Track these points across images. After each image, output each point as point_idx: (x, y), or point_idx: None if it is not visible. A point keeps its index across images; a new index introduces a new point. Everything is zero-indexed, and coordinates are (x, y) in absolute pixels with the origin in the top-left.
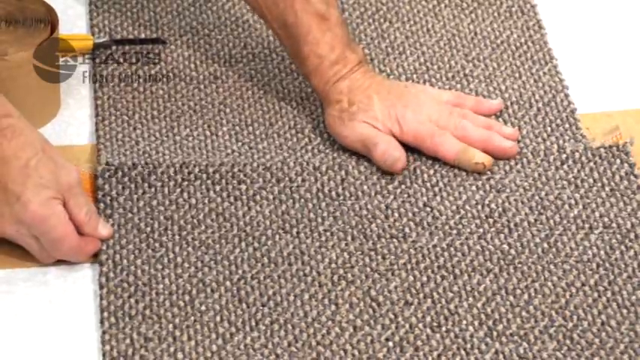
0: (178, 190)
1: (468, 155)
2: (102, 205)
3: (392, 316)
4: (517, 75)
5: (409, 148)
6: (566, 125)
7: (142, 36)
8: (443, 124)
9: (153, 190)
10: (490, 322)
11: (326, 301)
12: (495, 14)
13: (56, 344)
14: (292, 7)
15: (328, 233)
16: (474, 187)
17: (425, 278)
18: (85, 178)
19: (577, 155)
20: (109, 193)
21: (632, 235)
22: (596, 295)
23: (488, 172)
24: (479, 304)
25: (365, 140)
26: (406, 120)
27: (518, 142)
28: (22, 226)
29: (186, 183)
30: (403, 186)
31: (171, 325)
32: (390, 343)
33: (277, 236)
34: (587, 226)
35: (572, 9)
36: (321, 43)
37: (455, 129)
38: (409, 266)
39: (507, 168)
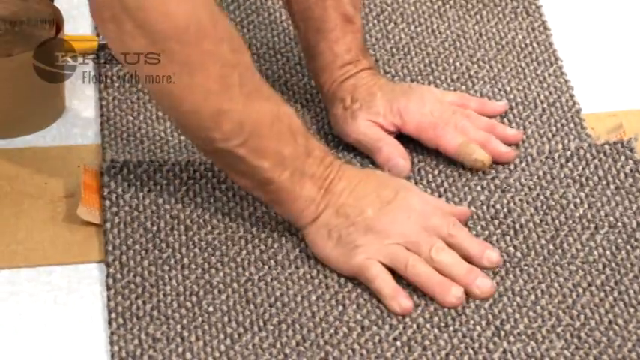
0: (184, 188)
1: (469, 150)
2: (108, 203)
3: (399, 316)
4: (522, 76)
5: (413, 148)
6: (571, 125)
7: None
8: (445, 120)
9: (159, 188)
10: (497, 322)
11: (333, 301)
12: (500, 15)
13: (62, 345)
14: (323, 2)
15: None
16: (478, 188)
17: None
18: (92, 174)
19: (581, 152)
20: (114, 191)
21: (637, 235)
22: (602, 294)
23: (493, 172)
24: (486, 305)
25: (369, 142)
26: (409, 111)
27: (523, 142)
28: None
29: (192, 181)
30: None
31: (179, 326)
32: (398, 343)
33: (283, 238)
34: (592, 226)
35: (577, 10)
36: (340, 42)
37: (455, 127)
38: None
39: (512, 167)
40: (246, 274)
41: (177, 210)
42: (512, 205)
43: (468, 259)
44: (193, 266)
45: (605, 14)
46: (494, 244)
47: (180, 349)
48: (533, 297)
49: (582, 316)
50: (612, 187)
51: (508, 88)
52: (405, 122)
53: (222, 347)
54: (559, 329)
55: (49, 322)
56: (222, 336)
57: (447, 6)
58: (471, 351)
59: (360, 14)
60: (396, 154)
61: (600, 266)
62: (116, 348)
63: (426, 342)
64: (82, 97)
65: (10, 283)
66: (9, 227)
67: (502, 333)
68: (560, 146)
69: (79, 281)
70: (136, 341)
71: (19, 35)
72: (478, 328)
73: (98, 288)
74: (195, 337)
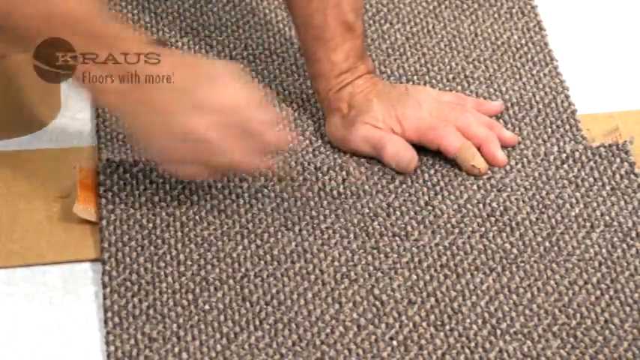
0: (180, 186)
1: (468, 155)
2: (104, 201)
3: (396, 315)
4: (518, 76)
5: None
6: (567, 126)
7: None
8: (444, 117)
9: (155, 186)
10: (494, 321)
11: (329, 299)
12: (496, 15)
13: (58, 346)
14: (324, 11)
15: (330, 231)
16: (474, 187)
17: (428, 277)
18: (88, 174)
19: (577, 155)
20: (110, 189)
21: (633, 234)
22: (598, 293)
23: (489, 172)
24: (482, 303)
25: (371, 142)
26: (406, 118)
27: (519, 143)
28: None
29: (188, 180)
30: (404, 185)
31: (175, 325)
32: (394, 342)
33: (279, 234)
34: (588, 224)
35: (572, 10)
36: (338, 50)
37: (456, 120)
38: (412, 265)
39: (508, 168)
40: (242, 270)
41: (173, 207)
42: (508, 203)
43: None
44: (189, 262)
45: (601, 14)
46: (490, 241)
47: (176, 349)
48: (529, 295)
49: (578, 315)
50: (608, 187)
51: (504, 89)
52: (404, 129)
53: (219, 347)
54: (555, 328)
55: (44, 323)
56: (218, 335)
57: (443, 6)
58: (467, 350)
59: (361, 19)
60: (401, 147)
61: (596, 264)
62: (112, 348)
63: (422, 341)
64: (77, 98)
65: (5, 284)
66: (5, 227)
67: (498, 332)
68: (555, 148)
69: (75, 282)
70: (132, 341)
71: None
72: (474, 327)
73: (93, 289)
74: (192, 337)
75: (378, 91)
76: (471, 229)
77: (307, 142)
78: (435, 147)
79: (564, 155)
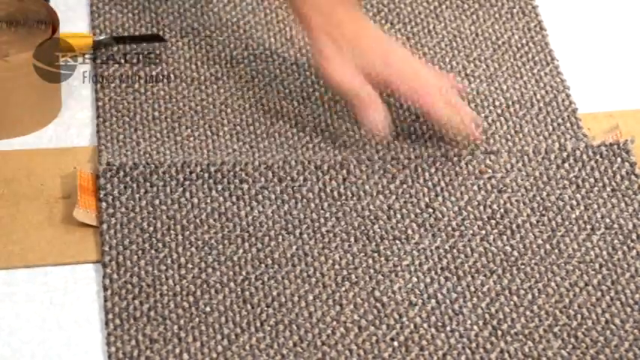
0: (180, 189)
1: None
2: (104, 205)
3: (397, 316)
4: (518, 75)
5: (410, 145)
6: (567, 125)
7: None
8: (430, 82)
9: (155, 189)
10: (494, 322)
11: (330, 301)
12: (497, 15)
13: (59, 346)
14: None
15: (331, 234)
16: (475, 187)
17: (428, 279)
18: (88, 178)
19: (578, 154)
20: (111, 193)
21: (634, 236)
22: (599, 294)
23: (489, 171)
24: (483, 304)
25: (348, 93)
26: (395, 72)
27: (520, 140)
28: None
29: (188, 182)
30: (405, 185)
31: (176, 327)
32: (396, 343)
33: (280, 237)
34: (589, 227)
35: (573, 10)
36: None
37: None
38: (412, 267)
39: (508, 166)
40: (243, 273)
41: (174, 210)
42: (508, 205)
43: None
44: (190, 266)
45: (602, 14)
46: (491, 244)
47: (177, 350)
48: (530, 296)
49: (579, 316)
50: (608, 189)
51: (504, 87)
52: (390, 85)
53: (220, 348)
54: (556, 329)
55: (45, 323)
56: (219, 337)
57: (443, 6)
58: (468, 351)
59: None
60: (379, 117)
61: (597, 266)
62: (113, 349)
63: (424, 342)
64: (78, 98)
65: (6, 284)
66: (5, 228)
67: (499, 333)
68: (556, 146)
69: (76, 282)
70: (133, 342)
71: (15, 36)
72: (475, 328)
73: (95, 289)
74: (193, 338)
75: (369, 36)
76: (471, 231)
77: (307, 138)
78: (421, 107)
79: (565, 154)
